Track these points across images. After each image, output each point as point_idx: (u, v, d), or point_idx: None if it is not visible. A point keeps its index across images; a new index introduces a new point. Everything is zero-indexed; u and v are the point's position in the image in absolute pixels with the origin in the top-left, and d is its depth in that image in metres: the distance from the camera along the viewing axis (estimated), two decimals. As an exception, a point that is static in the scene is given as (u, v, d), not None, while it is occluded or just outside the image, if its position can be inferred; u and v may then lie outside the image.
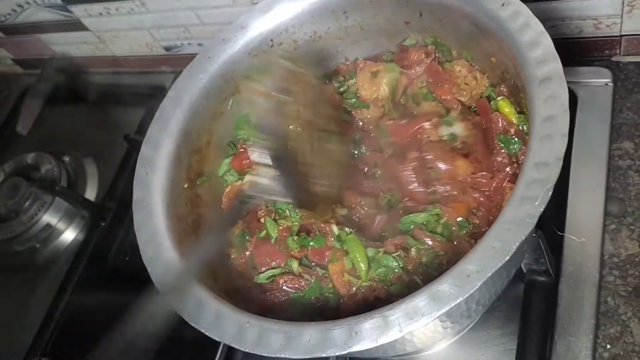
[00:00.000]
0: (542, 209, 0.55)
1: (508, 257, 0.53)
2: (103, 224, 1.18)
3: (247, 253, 0.78)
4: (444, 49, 0.84)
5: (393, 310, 0.55)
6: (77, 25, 1.33)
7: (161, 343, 0.57)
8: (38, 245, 1.22)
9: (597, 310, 0.79)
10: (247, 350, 0.58)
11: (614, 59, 0.99)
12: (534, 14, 0.68)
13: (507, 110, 0.75)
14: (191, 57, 0.87)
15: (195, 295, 0.65)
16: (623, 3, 0.89)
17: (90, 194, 1.26)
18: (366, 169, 0.82)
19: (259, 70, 0.73)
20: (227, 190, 0.86)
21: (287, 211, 0.78)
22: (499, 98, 0.76)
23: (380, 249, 0.71)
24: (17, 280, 1.21)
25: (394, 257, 0.70)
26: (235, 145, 0.90)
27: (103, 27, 1.31)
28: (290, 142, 0.69)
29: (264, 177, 0.66)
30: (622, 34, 0.95)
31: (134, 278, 1.09)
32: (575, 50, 0.99)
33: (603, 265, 0.82)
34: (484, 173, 0.73)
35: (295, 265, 0.75)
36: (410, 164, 0.75)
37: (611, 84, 0.95)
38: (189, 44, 1.28)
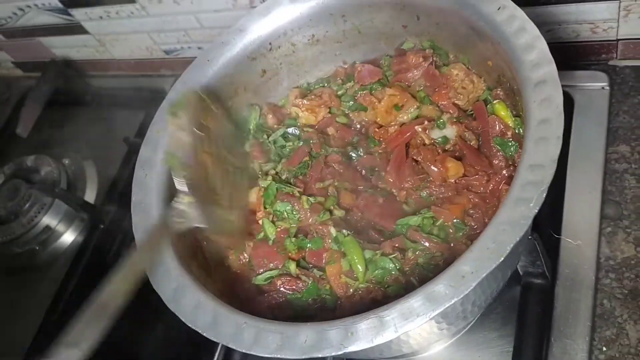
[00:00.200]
0: (537, 211, 0.56)
1: (502, 258, 0.54)
2: (102, 226, 1.19)
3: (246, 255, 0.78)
4: (441, 53, 0.84)
5: (388, 311, 0.56)
6: (77, 29, 1.34)
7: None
8: (37, 247, 1.23)
9: (593, 313, 0.79)
10: (244, 351, 0.59)
11: (611, 63, 0.99)
12: (531, 18, 0.68)
13: (503, 113, 0.76)
14: (191, 60, 0.88)
15: (193, 296, 0.65)
16: (619, 7, 0.90)
17: (90, 196, 1.26)
18: (363, 172, 0.83)
19: (179, 105, 0.76)
20: None
21: (285, 213, 0.79)
22: (495, 101, 0.77)
23: (377, 251, 0.72)
24: (17, 282, 1.21)
25: (390, 259, 0.70)
26: None
27: (103, 30, 1.32)
28: (205, 173, 0.74)
29: (183, 203, 0.70)
30: (619, 38, 0.96)
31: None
32: (572, 54, 1.00)
33: (599, 268, 0.82)
34: (478, 175, 0.74)
35: (292, 267, 0.75)
36: (403, 167, 0.76)
37: (608, 88, 0.96)
38: (189, 47, 1.29)
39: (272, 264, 0.76)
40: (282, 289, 0.75)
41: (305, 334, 0.57)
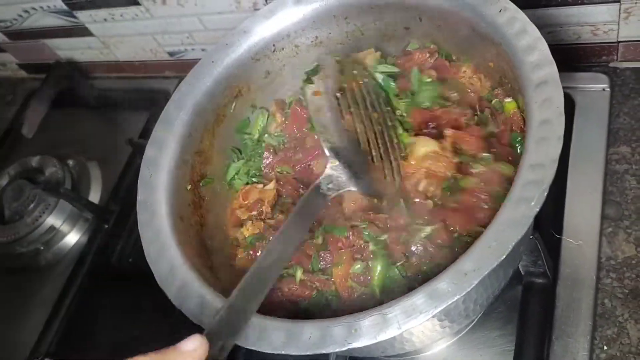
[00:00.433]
0: (538, 209, 0.56)
1: (504, 256, 0.55)
2: (106, 226, 1.20)
3: (265, 243, 0.78)
4: (445, 54, 0.85)
5: (391, 308, 0.56)
6: (82, 31, 1.35)
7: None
8: (42, 247, 1.23)
9: (594, 312, 0.80)
10: (248, 347, 0.59)
11: (611, 64, 1.00)
12: (532, 20, 0.69)
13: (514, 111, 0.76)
14: (194, 62, 0.88)
15: (198, 293, 0.66)
16: (620, 10, 0.91)
17: (94, 197, 1.27)
18: None
19: (312, 72, 0.81)
20: (242, 191, 0.87)
21: None
22: (506, 100, 0.77)
23: (388, 259, 0.71)
24: (21, 282, 1.22)
25: (397, 268, 0.70)
26: (239, 151, 0.91)
27: (108, 32, 1.33)
28: (352, 134, 0.74)
29: (331, 168, 0.71)
30: (619, 40, 0.96)
31: (137, 280, 1.11)
32: (573, 56, 1.01)
33: (600, 268, 0.83)
34: None
35: (299, 273, 0.75)
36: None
37: (608, 90, 0.97)
38: (193, 49, 1.30)
39: None
40: (288, 296, 0.75)
41: (309, 331, 0.58)
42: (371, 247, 0.71)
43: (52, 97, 1.35)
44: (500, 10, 0.70)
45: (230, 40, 0.88)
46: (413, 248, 0.71)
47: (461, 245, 0.70)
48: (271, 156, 0.89)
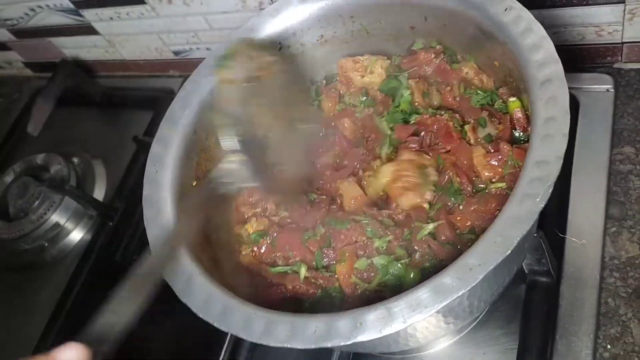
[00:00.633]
0: (543, 206, 0.57)
1: (509, 251, 0.55)
2: (111, 223, 1.20)
3: (269, 239, 0.79)
4: (450, 53, 0.85)
5: (397, 303, 0.57)
6: (88, 29, 1.36)
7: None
8: (46, 244, 1.24)
9: (597, 311, 0.80)
10: (254, 341, 0.60)
11: (616, 65, 1.01)
12: (537, 20, 0.70)
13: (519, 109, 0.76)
14: (199, 61, 0.89)
15: (203, 288, 0.66)
16: (624, 11, 0.91)
17: (98, 194, 1.27)
18: None
19: (226, 57, 0.72)
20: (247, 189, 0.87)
21: None
22: (511, 99, 0.77)
23: (391, 255, 0.72)
24: (25, 278, 1.23)
25: (400, 264, 0.71)
26: None
27: (114, 31, 1.34)
28: (257, 129, 0.69)
29: (232, 162, 0.67)
30: (624, 41, 0.97)
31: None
32: (578, 57, 1.01)
33: (604, 267, 0.83)
34: None
35: (303, 270, 0.75)
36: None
37: (612, 90, 0.97)
38: (198, 48, 1.31)
39: (291, 253, 0.77)
40: (290, 293, 0.75)
41: (314, 324, 0.58)
42: (376, 243, 0.72)
43: (58, 95, 1.36)
44: (506, 9, 0.71)
45: (236, 38, 0.88)
46: (416, 246, 0.72)
47: (464, 242, 0.71)
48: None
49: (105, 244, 1.18)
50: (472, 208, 0.72)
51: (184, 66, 1.37)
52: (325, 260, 0.75)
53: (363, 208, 0.76)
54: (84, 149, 1.35)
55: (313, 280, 0.75)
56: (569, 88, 0.64)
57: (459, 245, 0.71)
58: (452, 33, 0.82)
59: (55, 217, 1.23)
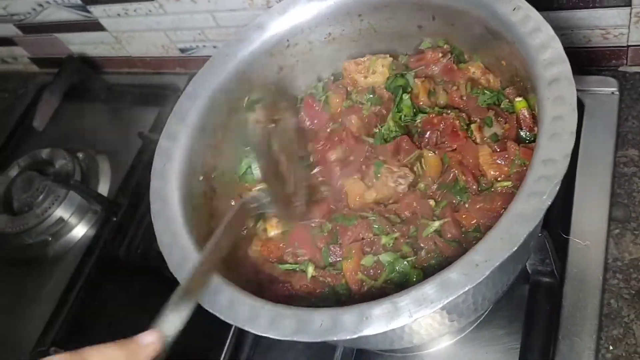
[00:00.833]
0: (550, 203, 0.57)
1: (516, 248, 0.55)
2: (114, 219, 1.20)
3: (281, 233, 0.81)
4: (457, 52, 0.86)
5: (402, 297, 0.57)
6: (95, 26, 1.36)
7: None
8: (50, 239, 1.24)
9: (600, 312, 0.80)
10: (259, 333, 0.60)
11: (621, 69, 1.01)
12: (544, 21, 0.70)
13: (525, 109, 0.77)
14: (205, 59, 0.89)
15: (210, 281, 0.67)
16: (630, 14, 0.92)
17: (103, 190, 1.28)
18: None
19: (255, 100, 0.87)
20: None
21: None
22: (517, 99, 0.77)
23: (397, 252, 0.73)
24: (28, 272, 1.23)
25: (407, 262, 0.71)
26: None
27: (120, 27, 1.34)
28: (276, 162, 0.80)
29: (259, 190, 0.79)
30: (629, 44, 0.97)
31: (144, 272, 1.12)
32: (583, 60, 1.02)
33: (607, 269, 0.84)
34: None
35: (310, 269, 0.76)
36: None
37: (617, 93, 0.97)
38: (204, 46, 1.31)
39: (300, 251, 0.77)
40: (300, 292, 0.75)
41: (320, 318, 0.58)
42: (383, 240, 0.72)
43: (64, 90, 1.37)
44: (514, 9, 0.71)
45: (245, 34, 0.89)
46: (422, 243, 0.72)
47: (469, 240, 0.71)
48: None
49: (109, 240, 1.19)
50: (477, 206, 0.72)
51: (190, 64, 1.38)
52: (331, 257, 0.76)
53: (371, 204, 0.76)
54: (89, 145, 1.35)
55: (321, 279, 0.75)
56: (574, 89, 0.64)
57: (465, 243, 0.71)
58: (459, 32, 0.83)
59: (60, 212, 1.23)
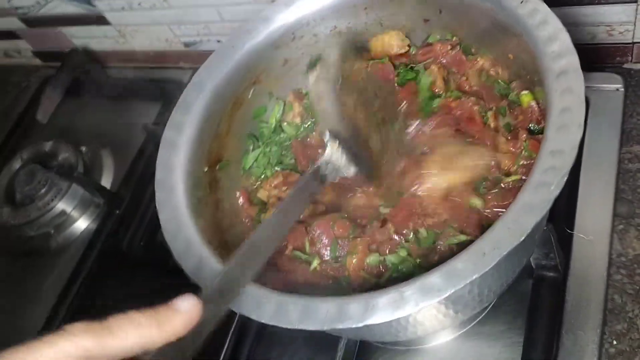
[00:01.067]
0: (557, 194, 0.57)
1: (523, 237, 0.55)
2: (117, 212, 1.20)
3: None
4: (464, 46, 0.86)
5: (409, 287, 0.57)
6: (99, 19, 1.36)
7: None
8: (52, 231, 1.24)
9: (604, 307, 0.80)
10: (264, 322, 0.60)
11: (626, 66, 1.01)
12: (551, 14, 0.70)
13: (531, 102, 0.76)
14: (209, 53, 0.89)
15: (214, 269, 0.67)
16: (636, 10, 0.92)
17: (106, 183, 1.27)
18: None
19: (317, 59, 0.84)
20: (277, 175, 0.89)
21: None
22: (523, 92, 0.77)
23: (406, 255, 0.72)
24: (30, 265, 1.23)
25: (413, 265, 0.71)
26: (257, 138, 0.92)
27: (124, 21, 1.34)
28: (352, 120, 0.75)
29: (330, 152, 0.71)
30: (635, 41, 0.97)
31: (147, 266, 1.12)
32: (588, 56, 1.01)
33: (611, 264, 0.83)
34: None
35: (315, 262, 0.75)
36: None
37: (622, 90, 0.97)
38: (208, 40, 1.31)
39: (321, 241, 0.76)
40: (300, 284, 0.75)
41: (326, 307, 0.58)
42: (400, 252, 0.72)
43: (67, 84, 1.37)
44: (522, 2, 0.71)
45: (250, 26, 0.89)
46: (438, 249, 0.71)
47: None
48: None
49: (112, 233, 1.19)
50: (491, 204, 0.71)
51: (194, 58, 1.37)
52: (339, 251, 0.75)
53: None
54: (93, 139, 1.35)
55: (324, 273, 0.75)
56: (579, 87, 0.64)
57: None
58: (466, 26, 0.83)
59: (62, 205, 1.23)
